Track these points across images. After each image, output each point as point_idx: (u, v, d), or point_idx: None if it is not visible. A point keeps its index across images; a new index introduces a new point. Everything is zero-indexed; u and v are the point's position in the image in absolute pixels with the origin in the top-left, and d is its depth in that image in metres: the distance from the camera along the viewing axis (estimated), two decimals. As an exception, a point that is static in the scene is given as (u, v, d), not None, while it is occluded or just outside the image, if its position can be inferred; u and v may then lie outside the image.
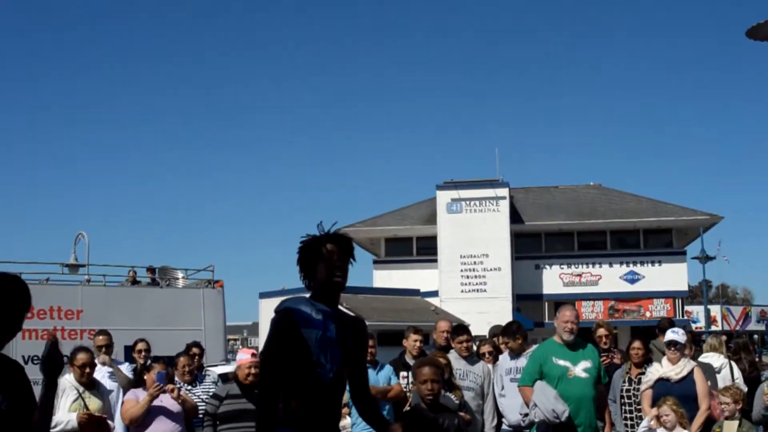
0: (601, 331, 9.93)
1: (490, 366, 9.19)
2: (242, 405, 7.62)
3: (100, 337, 9.84)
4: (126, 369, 10.04)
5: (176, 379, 8.87)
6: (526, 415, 7.86)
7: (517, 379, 8.37)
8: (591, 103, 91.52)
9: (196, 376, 9.66)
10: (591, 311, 41.35)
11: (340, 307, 4.35)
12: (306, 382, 4.03)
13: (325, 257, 4.20)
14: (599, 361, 8.06)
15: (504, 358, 9.11)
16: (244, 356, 7.82)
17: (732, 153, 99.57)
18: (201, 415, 8.73)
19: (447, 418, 6.05)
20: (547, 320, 39.82)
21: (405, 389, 8.92)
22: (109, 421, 7.79)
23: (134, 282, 18.37)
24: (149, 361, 8.80)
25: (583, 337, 8.17)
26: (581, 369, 7.77)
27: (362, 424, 8.64)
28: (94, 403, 7.73)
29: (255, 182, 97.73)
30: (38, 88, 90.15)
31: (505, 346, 9.15)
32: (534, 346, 9.07)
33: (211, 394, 8.99)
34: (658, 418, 7.76)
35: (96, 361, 8.61)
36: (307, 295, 4.27)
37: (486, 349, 9.67)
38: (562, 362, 7.77)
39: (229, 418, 7.74)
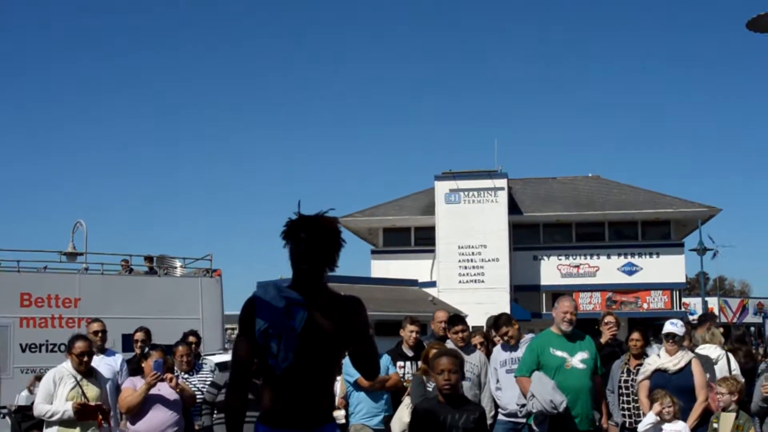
0: (609, 318, 9.81)
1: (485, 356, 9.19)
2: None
3: (95, 324, 9.80)
4: (118, 359, 10.03)
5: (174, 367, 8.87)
6: (524, 405, 7.86)
7: (512, 370, 8.36)
8: (590, 95, 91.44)
9: (194, 364, 9.68)
10: (588, 302, 41.36)
11: (336, 291, 4.09)
12: (263, 372, 3.92)
13: (293, 242, 4.03)
14: (596, 352, 8.07)
15: (497, 350, 9.05)
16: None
17: (731, 145, 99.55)
18: (199, 404, 8.75)
19: (465, 413, 5.78)
20: (544, 311, 39.87)
21: (402, 379, 8.93)
22: (111, 409, 7.79)
23: (127, 270, 18.34)
24: (147, 349, 8.80)
25: (581, 328, 8.17)
26: (578, 360, 7.78)
27: (360, 413, 8.65)
28: (91, 391, 7.72)
29: (254, 171, 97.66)
30: (36, 77, 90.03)
31: (501, 337, 9.11)
32: (528, 336, 9.08)
33: (209, 382, 9.01)
34: (659, 412, 7.76)
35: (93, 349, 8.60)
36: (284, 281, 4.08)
37: (477, 339, 9.67)
38: (559, 353, 7.78)
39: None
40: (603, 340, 9.40)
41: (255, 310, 3.91)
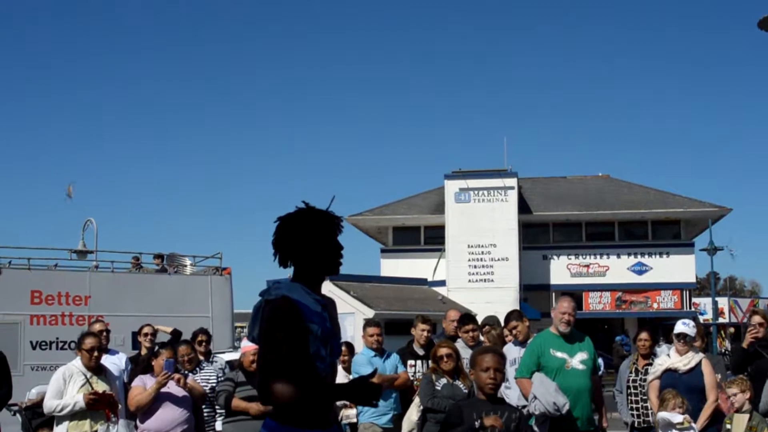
0: (756, 319, 8.77)
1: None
2: (248, 392, 7.64)
3: (97, 324, 9.95)
4: (122, 357, 10.06)
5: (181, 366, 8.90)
6: (524, 407, 7.82)
7: (521, 369, 8.34)
8: (600, 94, 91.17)
9: (199, 362, 9.73)
10: (598, 302, 41.28)
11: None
12: (308, 376, 3.72)
13: (327, 237, 3.85)
14: (594, 351, 8.03)
15: (509, 347, 9.02)
16: (249, 343, 7.78)
17: (741, 145, 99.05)
18: (211, 396, 8.81)
19: (507, 411, 5.57)
20: (554, 311, 39.74)
21: (412, 378, 8.92)
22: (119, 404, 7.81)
23: (137, 267, 18.40)
24: (157, 347, 8.83)
25: (591, 327, 8.13)
26: (578, 361, 7.73)
27: (369, 412, 8.65)
28: (101, 388, 7.73)
29: (263, 169, 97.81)
30: (44, 74, 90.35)
31: (509, 332, 9.11)
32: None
33: (219, 380, 9.07)
34: (666, 408, 7.73)
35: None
36: (293, 281, 3.89)
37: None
38: (559, 354, 7.73)
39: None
40: (744, 344, 8.61)
41: (303, 315, 3.72)
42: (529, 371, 7.74)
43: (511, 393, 8.71)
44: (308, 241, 3.84)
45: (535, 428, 7.61)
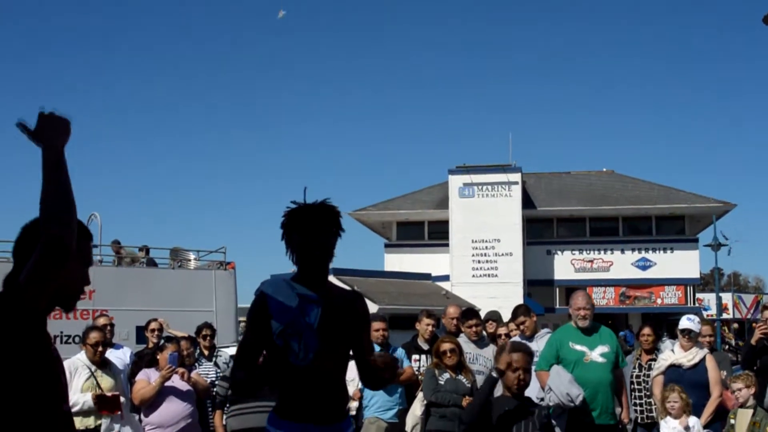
0: (766, 314, 8.76)
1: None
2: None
3: (101, 319, 10.00)
4: (127, 352, 10.07)
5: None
6: (542, 399, 7.84)
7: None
8: (605, 89, 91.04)
9: (197, 358, 9.76)
10: (602, 297, 41.22)
11: (339, 284, 4.05)
12: (282, 369, 3.79)
13: (302, 231, 3.84)
14: (617, 345, 8.03)
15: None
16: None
17: (746, 140, 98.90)
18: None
19: (537, 408, 5.63)
20: (558, 306, 39.78)
21: (417, 372, 8.92)
22: (122, 398, 7.81)
23: (120, 259, 18.27)
24: (162, 341, 8.84)
25: (598, 321, 8.14)
26: (598, 354, 7.74)
27: (374, 407, 8.65)
28: (106, 382, 7.75)
29: (268, 164, 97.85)
30: (47, 68, 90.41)
31: (517, 327, 9.10)
32: (544, 330, 9.07)
33: (218, 375, 9.06)
34: (664, 405, 7.72)
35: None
36: (290, 275, 3.96)
37: (503, 330, 9.65)
38: (578, 347, 7.76)
39: (237, 399, 7.78)
40: (753, 340, 8.53)
41: (269, 309, 3.78)
42: (548, 364, 7.78)
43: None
44: (286, 239, 3.94)
45: (553, 421, 7.63)
